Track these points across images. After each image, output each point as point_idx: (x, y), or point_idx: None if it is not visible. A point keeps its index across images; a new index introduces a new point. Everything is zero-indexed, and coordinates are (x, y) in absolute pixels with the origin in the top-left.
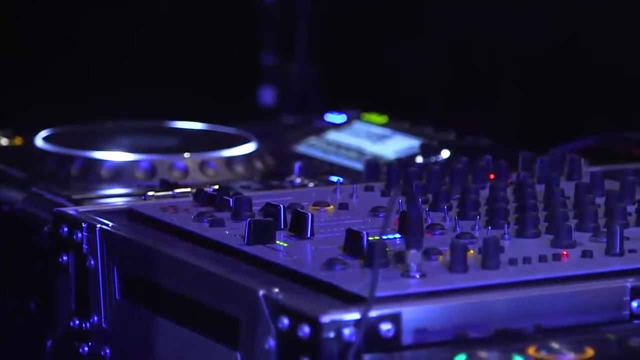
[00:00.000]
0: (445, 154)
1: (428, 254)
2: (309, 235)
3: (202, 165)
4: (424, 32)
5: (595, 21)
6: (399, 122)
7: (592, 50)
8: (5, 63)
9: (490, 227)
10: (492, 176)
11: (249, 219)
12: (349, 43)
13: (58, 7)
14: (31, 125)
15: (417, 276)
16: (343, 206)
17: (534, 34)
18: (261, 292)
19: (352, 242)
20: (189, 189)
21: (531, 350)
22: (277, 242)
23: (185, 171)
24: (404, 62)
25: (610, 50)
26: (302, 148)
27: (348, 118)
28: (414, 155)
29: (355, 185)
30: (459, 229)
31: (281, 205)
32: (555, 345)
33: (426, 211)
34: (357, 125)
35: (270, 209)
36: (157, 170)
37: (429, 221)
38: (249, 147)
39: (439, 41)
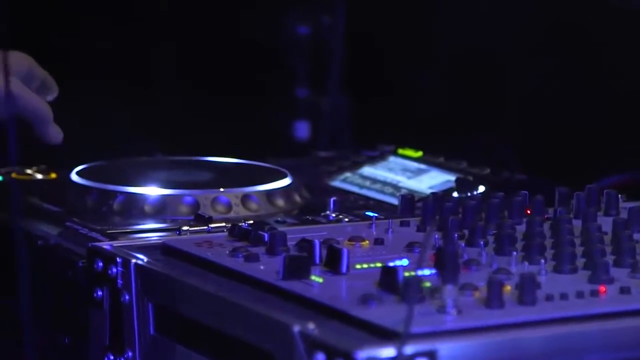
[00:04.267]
0: (481, 188)
1: (464, 289)
2: (344, 271)
3: (244, 199)
4: (460, 64)
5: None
6: (434, 156)
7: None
8: None
9: (526, 263)
10: (528, 211)
11: (284, 254)
12: (382, 76)
13: (87, 45)
14: (64, 161)
15: (453, 312)
16: (378, 241)
17: (568, 71)
18: (296, 328)
19: (388, 277)
20: (223, 224)
21: None
22: (312, 277)
23: (228, 206)
24: (438, 95)
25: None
26: (337, 183)
27: (383, 153)
28: (449, 190)
29: (390, 221)
30: (495, 265)
31: (316, 241)
32: None
33: (462, 246)
34: (393, 160)
35: (305, 244)
36: (200, 205)
37: (465, 257)
38: (284, 182)
39: (476, 73)
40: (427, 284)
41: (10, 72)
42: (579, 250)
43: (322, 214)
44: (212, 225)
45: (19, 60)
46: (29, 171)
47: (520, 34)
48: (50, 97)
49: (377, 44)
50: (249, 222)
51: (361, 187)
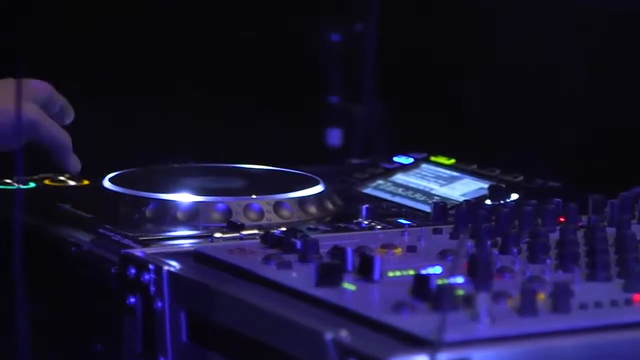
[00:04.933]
0: (514, 196)
1: (497, 297)
2: (376, 278)
3: (276, 206)
4: (492, 71)
5: None
6: (467, 164)
7: None
8: None
9: (560, 271)
10: (562, 219)
11: (317, 261)
12: (415, 83)
13: (115, 51)
14: (96, 168)
15: (487, 320)
16: (411, 249)
17: (602, 79)
18: (329, 335)
19: (421, 285)
20: (256, 231)
21: None
22: (345, 285)
23: (261, 213)
24: (472, 102)
25: None
26: (370, 190)
27: (416, 160)
28: (482, 198)
29: (423, 228)
30: (528, 273)
31: (349, 248)
32: None
33: (495, 254)
34: (425, 167)
35: (337, 252)
36: (232, 212)
37: (498, 264)
38: (317, 189)
39: (507, 79)
40: (460, 292)
41: (30, 100)
42: (613, 258)
43: (355, 221)
44: (245, 232)
45: (39, 87)
46: (61, 178)
47: (552, 41)
48: (67, 122)
49: (410, 51)
50: (281, 229)
51: (394, 194)
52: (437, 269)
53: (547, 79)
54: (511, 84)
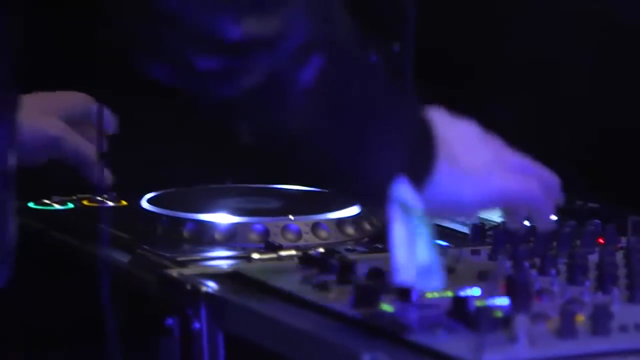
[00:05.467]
0: (552, 217)
1: (536, 319)
2: (414, 300)
3: (314, 227)
4: (527, 90)
5: None
6: None
7: None
8: None
9: (599, 293)
10: (601, 240)
11: (354, 282)
12: (451, 102)
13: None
14: (134, 189)
15: (525, 342)
16: (449, 270)
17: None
18: (367, 357)
19: (459, 307)
20: (293, 252)
21: None
22: (383, 306)
23: (299, 234)
24: (509, 121)
25: None
26: None
27: None
28: None
29: (461, 249)
30: (567, 294)
31: (387, 270)
32: None
33: (534, 275)
34: None
35: (375, 273)
36: (270, 233)
37: (537, 286)
38: (355, 210)
39: (547, 99)
40: (499, 314)
41: (55, 114)
42: None
43: None
44: (282, 253)
45: (72, 100)
46: (99, 199)
47: (589, 55)
48: (109, 132)
49: (446, 71)
50: (319, 250)
51: None
52: (476, 291)
53: (590, 98)
54: (552, 104)
